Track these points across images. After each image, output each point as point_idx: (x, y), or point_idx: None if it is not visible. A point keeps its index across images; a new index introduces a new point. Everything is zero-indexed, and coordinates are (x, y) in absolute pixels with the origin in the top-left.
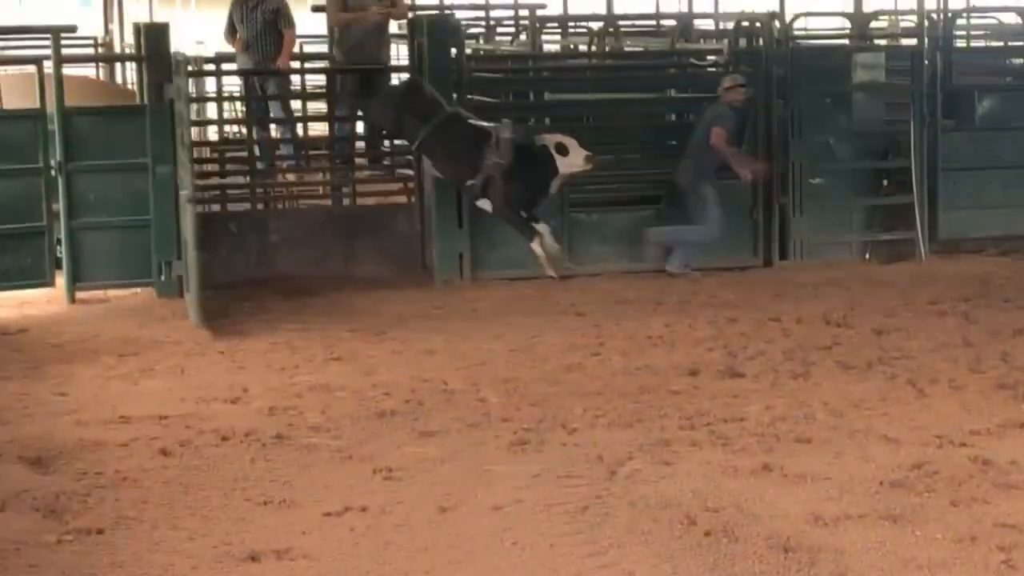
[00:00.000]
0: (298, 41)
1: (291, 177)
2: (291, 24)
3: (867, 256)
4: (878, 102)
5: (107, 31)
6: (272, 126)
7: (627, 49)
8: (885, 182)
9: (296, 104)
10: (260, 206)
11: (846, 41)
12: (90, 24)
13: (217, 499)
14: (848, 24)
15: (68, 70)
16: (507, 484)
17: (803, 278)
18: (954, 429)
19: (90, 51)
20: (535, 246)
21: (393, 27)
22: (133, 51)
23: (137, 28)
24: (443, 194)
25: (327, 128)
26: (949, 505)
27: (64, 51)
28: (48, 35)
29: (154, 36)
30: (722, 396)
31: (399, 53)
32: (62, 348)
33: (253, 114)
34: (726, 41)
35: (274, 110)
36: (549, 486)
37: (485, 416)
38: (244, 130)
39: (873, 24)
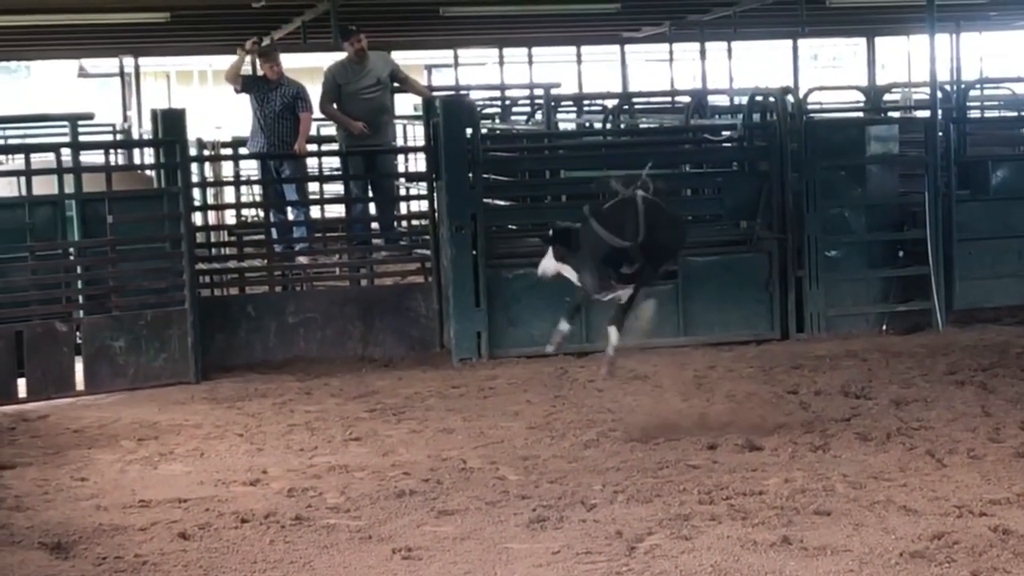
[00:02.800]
0: (314, 124)
1: (305, 259)
2: (309, 108)
3: (884, 327)
4: (892, 174)
5: (125, 117)
6: (288, 208)
7: (642, 126)
8: (901, 253)
9: (314, 186)
10: (278, 288)
11: (860, 114)
12: (109, 108)
13: None
14: (862, 97)
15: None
16: (526, 562)
17: (820, 350)
18: (974, 499)
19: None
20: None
21: (409, 108)
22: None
23: (154, 114)
24: (460, 273)
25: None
26: None
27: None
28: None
29: (171, 121)
30: (741, 470)
31: (415, 134)
32: (82, 433)
33: (270, 197)
34: (740, 116)
35: (290, 193)
36: (569, 563)
37: (504, 494)
38: (261, 213)
39: (886, 97)
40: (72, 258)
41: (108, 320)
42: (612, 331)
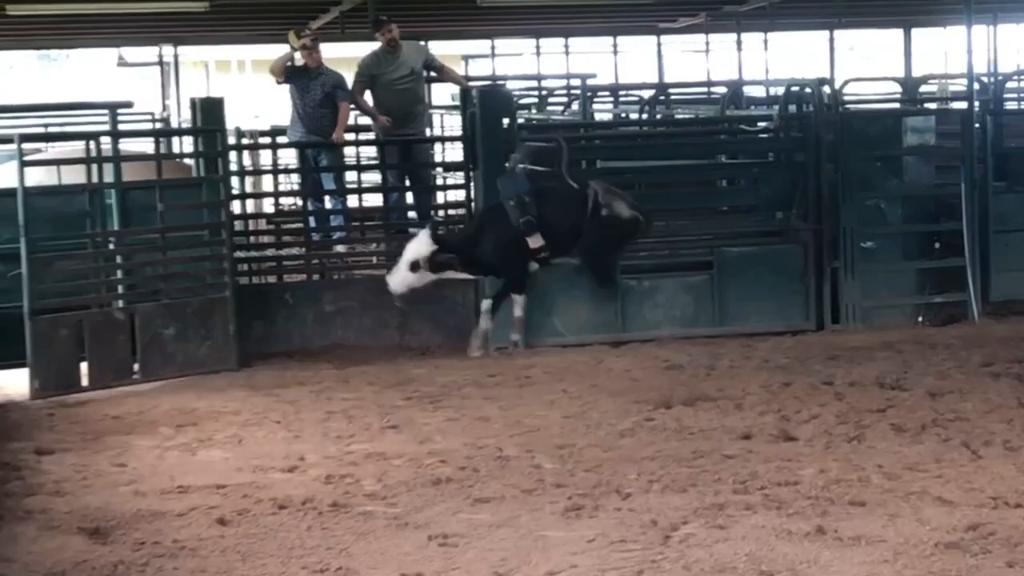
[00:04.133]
0: (352, 114)
1: (343, 248)
2: (349, 97)
3: (920, 319)
4: (929, 165)
5: (164, 106)
6: (325, 197)
7: (677, 116)
8: (937, 245)
9: (352, 175)
10: (316, 276)
11: (896, 105)
12: (148, 97)
13: (274, 567)
14: (898, 88)
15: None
16: (562, 549)
17: (856, 341)
18: (1009, 490)
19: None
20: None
21: (445, 98)
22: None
23: (193, 103)
24: None
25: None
26: (1005, 567)
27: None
28: (105, 111)
29: (210, 110)
30: (776, 460)
31: (451, 124)
32: (121, 419)
33: (308, 186)
34: (776, 107)
35: (327, 182)
36: (604, 551)
37: (539, 482)
38: (299, 202)
39: (923, 88)
40: (121, 247)
41: (160, 308)
42: (487, 304)
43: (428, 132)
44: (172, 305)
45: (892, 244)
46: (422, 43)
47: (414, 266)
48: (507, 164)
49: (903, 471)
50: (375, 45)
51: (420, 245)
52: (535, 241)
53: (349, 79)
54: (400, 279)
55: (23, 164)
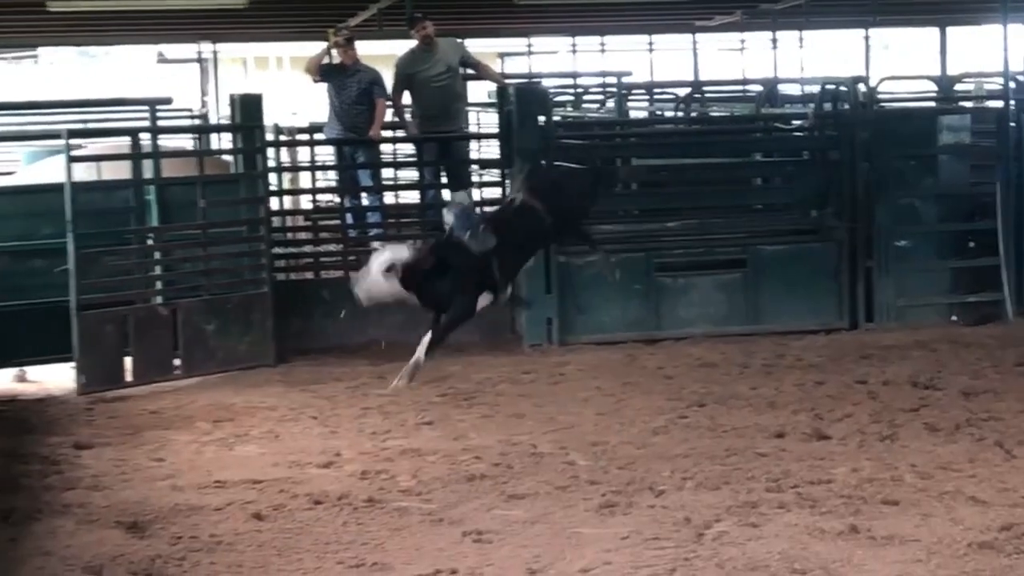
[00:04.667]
0: (388, 111)
1: (379, 245)
2: (385, 94)
3: (954, 318)
4: (964, 164)
5: (202, 103)
6: (363, 194)
7: (713, 114)
8: (971, 244)
9: (388, 172)
10: (352, 273)
11: (931, 104)
12: (186, 93)
13: (310, 562)
14: (933, 87)
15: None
16: (595, 546)
17: (889, 340)
18: None
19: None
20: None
21: (482, 96)
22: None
23: (232, 99)
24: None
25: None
26: None
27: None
28: (145, 107)
29: (248, 107)
30: (809, 458)
31: (487, 121)
32: (158, 415)
33: (345, 183)
34: (811, 105)
35: (364, 179)
36: (637, 548)
37: (573, 479)
38: (336, 198)
39: (958, 87)
40: (164, 243)
41: (201, 304)
42: (426, 339)
43: (465, 129)
44: (213, 301)
45: (926, 243)
46: (459, 40)
47: (389, 270)
48: (453, 203)
49: (936, 470)
50: (412, 43)
51: (398, 251)
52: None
53: (386, 76)
54: (370, 285)
55: (71, 160)
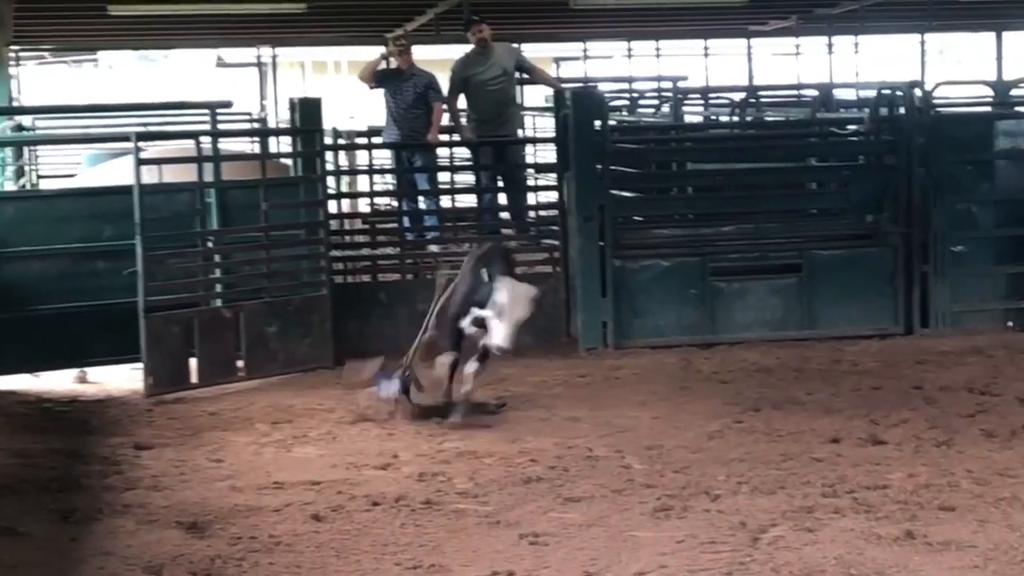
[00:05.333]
0: (445, 115)
1: (436, 248)
2: (441, 98)
3: (1010, 324)
4: (1020, 169)
5: (261, 106)
6: (419, 197)
7: (768, 119)
8: None
9: (445, 176)
10: (409, 276)
11: (988, 109)
12: (246, 97)
13: (368, 563)
14: (990, 92)
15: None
16: (651, 550)
17: (945, 346)
18: None
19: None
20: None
21: (538, 100)
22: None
23: (292, 103)
24: (587, 264)
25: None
26: None
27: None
28: (205, 111)
29: (308, 111)
30: (865, 463)
31: (543, 125)
32: (218, 416)
33: (403, 186)
34: (867, 110)
35: (421, 182)
36: (693, 552)
37: (629, 482)
38: (394, 202)
39: (1015, 92)
40: (228, 245)
41: (263, 306)
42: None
43: (521, 133)
44: (275, 303)
45: (983, 248)
46: (515, 45)
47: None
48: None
49: (993, 476)
50: (469, 47)
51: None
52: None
53: (443, 80)
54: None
55: (139, 163)
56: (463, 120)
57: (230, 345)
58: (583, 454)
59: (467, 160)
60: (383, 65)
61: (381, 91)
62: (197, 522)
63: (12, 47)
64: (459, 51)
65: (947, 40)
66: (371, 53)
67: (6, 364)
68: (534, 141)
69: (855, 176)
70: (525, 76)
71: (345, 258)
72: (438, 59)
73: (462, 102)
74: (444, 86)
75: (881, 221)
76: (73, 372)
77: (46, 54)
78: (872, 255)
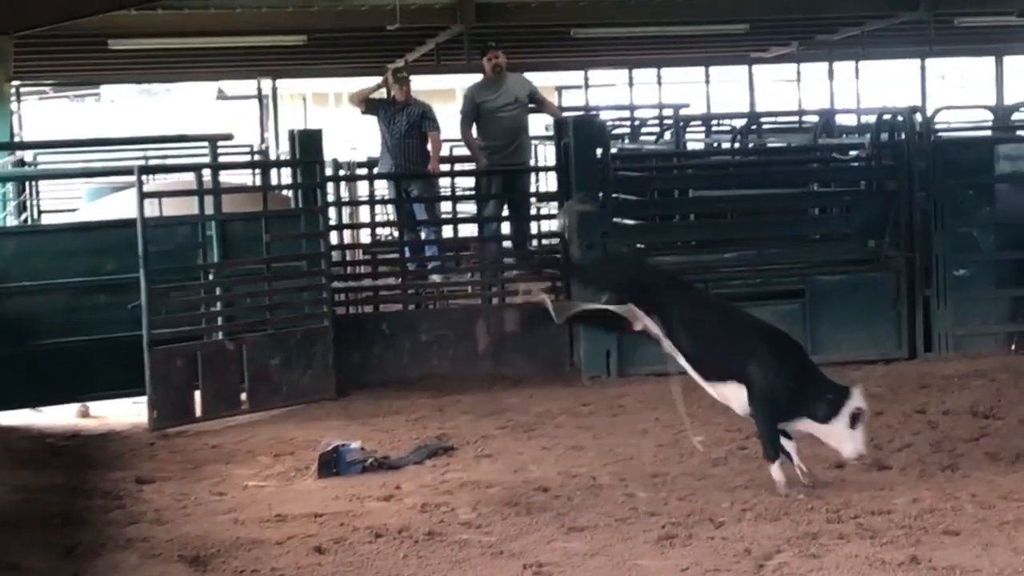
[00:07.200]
0: (446, 144)
1: (438, 278)
2: (437, 127)
3: (1013, 347)
4: (1022, 193)
5: (262, 138)
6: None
7: (769, 145)
8: None
9: (447, 206)
10: (411, 306)
11: (988, 133)
12: (246, 129)
13: None
14: (990, 116)
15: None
16: None
17: (948, 370)
18: None
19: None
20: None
21: (539, 129)
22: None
23: (292, 135)
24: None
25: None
26: None
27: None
28: (206, 143)
29: (308, 142)
30: (869, 488)
31: (545, 154)
32: (219, 449)
33: (403, 217)
34: (868, 135)
35: (419, 213)
36: None
37: (633, 511)
38: (395, 232)
39: (1015, 116)
40: (230, 278)
41: (266, 339)
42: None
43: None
44: (277, 335)
45: (985, 272)
46: (527, 76)
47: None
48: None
49: (997, 500)
50: (470, 78)
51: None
52: None
53: (440, 110)
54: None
55: (143, 196)
56: (476, 149)
57: (234, 378)
58: (587, 483)
59: (468, 190)
60: (379, 94)
61: (377, 121)
62: (200, 556)
63: (13, 82)
64: (459, 80)
65: (948, 65)
66: (370, 84)
67: (9, 399)
68: (536, 170)
69: (857, 201)
70: (531, 106)
71: (347, 289)
72: (439, 89)
73: (474, 129)
74: (444, 115)
75: (883, 246)
76: (75, 406)
77: (47, 89)
78: (874, 280)
